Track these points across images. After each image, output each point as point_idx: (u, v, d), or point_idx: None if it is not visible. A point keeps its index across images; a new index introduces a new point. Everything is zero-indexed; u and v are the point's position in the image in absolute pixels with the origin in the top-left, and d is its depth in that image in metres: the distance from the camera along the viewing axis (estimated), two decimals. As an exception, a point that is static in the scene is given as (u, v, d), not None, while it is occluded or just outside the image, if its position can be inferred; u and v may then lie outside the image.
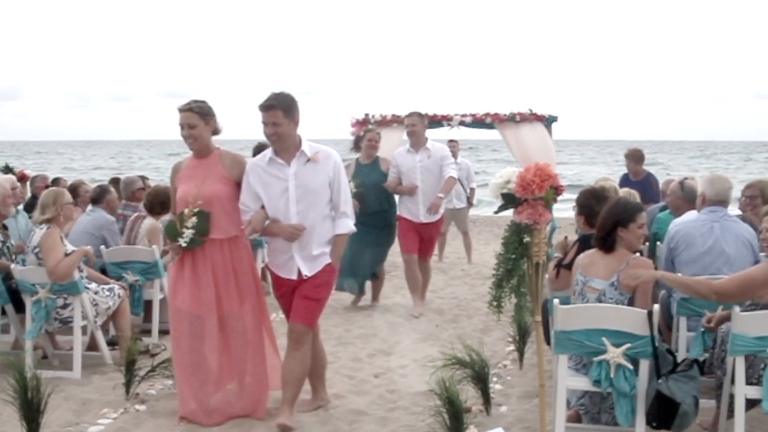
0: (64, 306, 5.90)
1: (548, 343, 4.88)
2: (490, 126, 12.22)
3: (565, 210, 13.07)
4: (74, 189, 7.65)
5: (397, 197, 8.11)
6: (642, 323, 4.08)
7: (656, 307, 4.14)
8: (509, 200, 4.16)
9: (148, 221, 7.09)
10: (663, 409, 3.99)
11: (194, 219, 4.72)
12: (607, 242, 4.50)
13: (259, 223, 4.69)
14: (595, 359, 4.12)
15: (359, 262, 7.95)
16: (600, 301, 4.43)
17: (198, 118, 4.78)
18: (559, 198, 4.26)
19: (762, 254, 5.08)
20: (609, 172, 13.00)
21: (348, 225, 4.82)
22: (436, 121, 12.13)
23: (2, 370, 5.59)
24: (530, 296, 4.34)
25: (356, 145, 8.30)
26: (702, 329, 4.72)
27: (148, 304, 6.88)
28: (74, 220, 7.00)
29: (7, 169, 10.43)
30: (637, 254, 4.59)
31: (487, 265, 10.69)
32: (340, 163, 4.79)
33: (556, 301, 4.25)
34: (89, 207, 7.18)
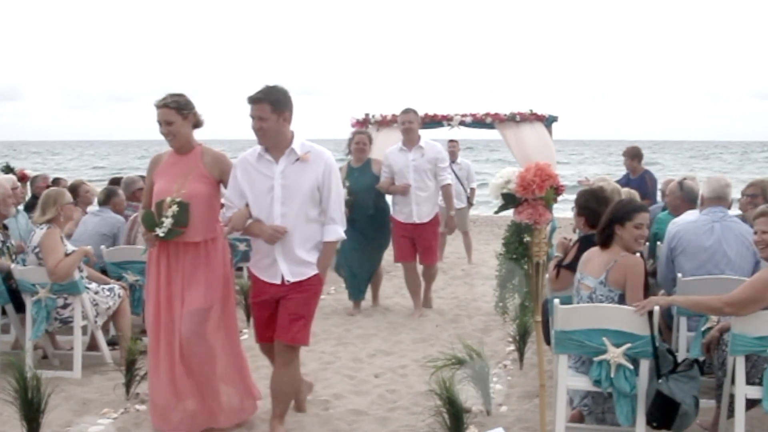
0: (65, 306, 5.89)
1: (548, 343, 4.89)
2: (490, 126, 12.25)
3: (564, 210, 13.07)
4: (74, 189, 7.65)
5: (389, 198, 7.92)
6: (642, 323, 4.08)
7: (656, 307, 4.14)
8: (509, 200, 4.16)
9: (148, 221, 7.08)
10: (663, 409, 4.00)
11: (174, 208, 4.47)
12: (603, 237, 4.50)
13: (240, 222, 4.43)
14: (596, 359, 4.12)
15: (354, 268, 7.86)
16: (591, 299, 4.44)
17: (175, 113, 4.54)
18: (559, 198, 4.26)
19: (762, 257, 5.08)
20: (607, 172, 13.02)
21: (337, 232, 4.50)
22: (436, 121, 12.14)
23: (2, 370, 5.59)
24: (530, 296, 4.35)
25: (348, 148, 8.09)
26: (702, 330, 4.73)
27: (149, 304, 6.87)
28: (74, 220, 6.99)
29: (8, 169, 10.43)
30: (637, 254, 4.58)
31: (487, 265, 10.70)
32: (332, 165, 4.48)
33: (556, 301, 4.25)
34: (96, 208, 7.18)
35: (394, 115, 10.82)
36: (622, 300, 4.33)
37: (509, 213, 4.26)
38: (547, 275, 5.02)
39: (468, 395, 4.81)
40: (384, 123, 12.09)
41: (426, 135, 8.06)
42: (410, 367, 6.07)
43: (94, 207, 7.67)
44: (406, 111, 7.79)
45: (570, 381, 4.26)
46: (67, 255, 5.81)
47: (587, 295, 4.47)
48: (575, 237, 5.59)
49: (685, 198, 6.31)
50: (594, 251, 4.58)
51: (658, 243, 6.04)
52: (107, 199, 7.17)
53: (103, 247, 6.75)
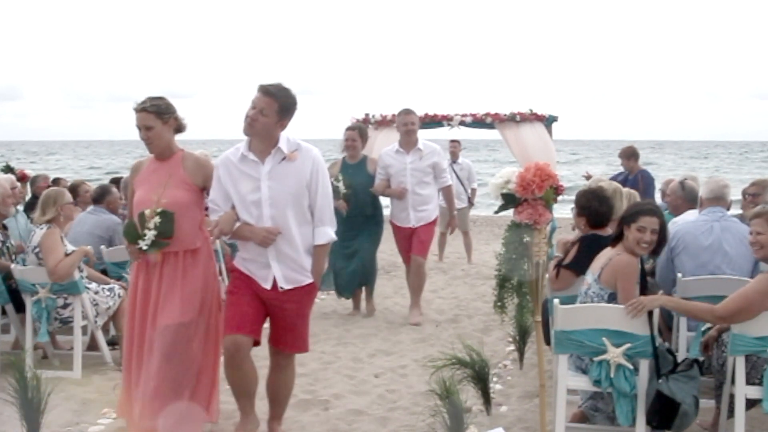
0: (65, 306, 5.90)
1: (548, 343, 4.88)
2: (490, 126, 12.26)
3: (564, 210, 13.07)
4: (74, 189, 7.62)
5: (384, 200, 7.77)
6: (642, 323, 4.08)
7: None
8: (509, 200, 4.16)
9: (148, 221, 7.06)
10: (663, 409, 3.99)
11: (157, 219, 4.29)
12: (615, 234, 4.48)
13: (227, 225, 4.19)
14: (596, 359, 4.12)
15: (344, 270, 7.62)
16: (585, 294, 4.44)
17: (154, 118, 4.38)
18: (559, 198, 4.26)
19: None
20: (605, 173, 13.03)
21: (328, 234, 4.29)
22: (436, 121, 12.15)
23: (2, 370, 5.59)
24: (530, 296, 4.34)
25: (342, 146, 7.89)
26: (702, 330, 4.73)
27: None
28: (74, 219, 6.97)
29: (8, 169, 10.43)
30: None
31: (487, 265, 10.69)
32: (320, 162, 4.26)
33: (556, 301, 4.25)
34: (90, 207, 7.10)
35: (393, 115, 10.77)
36: (612, 299, 4.32)
37: (509, 213, 4.26)
38: (547, 275, 5.01)
39: (468, 395, 4.81)
40: (384, 123, 12.10)
41: (426, 135, 7.97)
42: (410, 367, 6.07)
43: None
44: (408, 112, 7.59)
45: (570, 381, 4.26)
46: (67, 255, 5.81)
47: (584, 290, 4.48)
48: (573, 237, 5.59)
49: (686, 198, 6.31)
50: (606, 248, 4.57)
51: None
52: (101, 198, 7.01)
53: (103, 247, 6.73)
